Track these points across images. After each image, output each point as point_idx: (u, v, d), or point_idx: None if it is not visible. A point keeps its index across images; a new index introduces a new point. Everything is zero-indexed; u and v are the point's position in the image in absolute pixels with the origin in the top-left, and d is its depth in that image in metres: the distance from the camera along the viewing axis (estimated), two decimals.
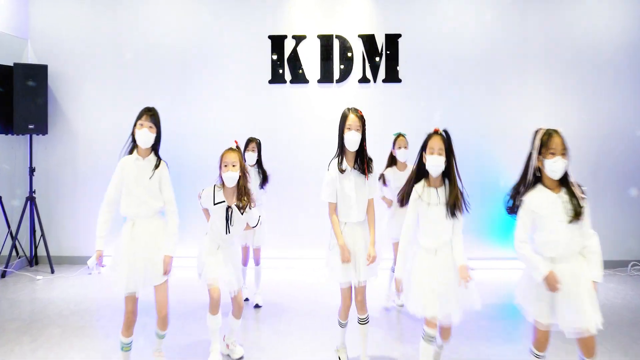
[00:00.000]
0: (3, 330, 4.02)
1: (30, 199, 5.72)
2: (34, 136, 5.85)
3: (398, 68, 5.88)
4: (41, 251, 5.86)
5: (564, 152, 2.65)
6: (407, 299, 2.95)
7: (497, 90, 5.89)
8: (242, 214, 3.30)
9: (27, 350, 3.67)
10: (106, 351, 3.61)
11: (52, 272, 5.62)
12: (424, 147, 2.93)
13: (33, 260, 5.88)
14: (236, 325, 3.51)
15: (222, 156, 3.29)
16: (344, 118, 3.21)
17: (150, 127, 3.07)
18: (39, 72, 5.67)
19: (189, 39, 5.96)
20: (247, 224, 3.41)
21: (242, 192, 3.29)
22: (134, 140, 3.11)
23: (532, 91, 5.87)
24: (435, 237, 2.91)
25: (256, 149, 4.48)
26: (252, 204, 3.35)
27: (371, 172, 3.24)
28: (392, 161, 4.46)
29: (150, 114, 3.09)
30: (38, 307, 4.56)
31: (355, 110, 3.24)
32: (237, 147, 3.42)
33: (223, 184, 3.31)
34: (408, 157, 4.32)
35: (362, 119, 3.21)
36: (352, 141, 3.16)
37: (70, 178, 5.98)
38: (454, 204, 2.87)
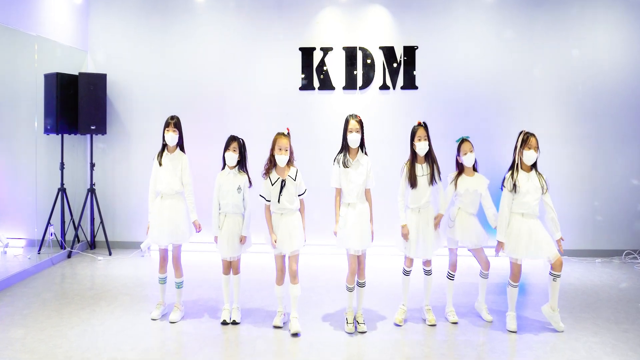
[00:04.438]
0: (82, 297, 4.83)
1: (91, 191, 6.56)
2: (94, 136, 6.67)
3: (415, 75, 6.55)
4: (99, 237, 6.69)
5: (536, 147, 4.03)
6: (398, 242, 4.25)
7: (504, 105, 6.54)
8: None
9: (106, 311, 4.47)
10: (169, 313, 4.38)
11: (110, 254, 6.44)
12: (412, 137, 4.17)
13: (93, 245, 6.72)
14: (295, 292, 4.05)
15: (274, 140, 4.07)
16: (346, 123, 4.07)
17: (174, 130, 4.31)
18: (99, 80, 6.47)
19: (230, 51, 6.70)
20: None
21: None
22: (164, 140, 4.34)
23: (539, 112, 6.50)
24: (418, 199, 4.13)
25: (237, 150, 4.19)
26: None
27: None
28: (460, 169, 4.24)
29: (174, 122, 4.33)
30: (105, 281, 5.38)
31: (355, 116, 4.04)
32: (289, 133, 4.10)
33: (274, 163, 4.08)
34: (475, 161, 4.21)
35: (360, 123, 4.05)
36: (354, 141, 4.02)
37: (124, 172, 6.79)
38: (433, 174, 4.12)
